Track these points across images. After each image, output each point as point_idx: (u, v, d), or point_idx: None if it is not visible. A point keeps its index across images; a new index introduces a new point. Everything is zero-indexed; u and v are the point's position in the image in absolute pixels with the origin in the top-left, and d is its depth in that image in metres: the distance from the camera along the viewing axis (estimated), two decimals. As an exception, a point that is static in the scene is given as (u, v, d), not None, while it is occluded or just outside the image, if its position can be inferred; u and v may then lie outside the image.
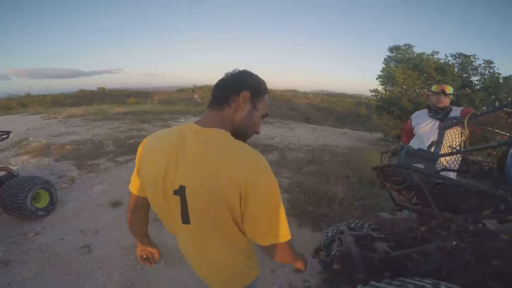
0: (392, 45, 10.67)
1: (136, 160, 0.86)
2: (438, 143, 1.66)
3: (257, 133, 0.85)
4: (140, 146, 0.85)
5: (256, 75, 0.83)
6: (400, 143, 2.74)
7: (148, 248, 1.09)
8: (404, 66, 9.42)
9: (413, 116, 2.55)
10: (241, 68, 0.85)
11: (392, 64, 10.18)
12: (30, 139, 5.42)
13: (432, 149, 1.56)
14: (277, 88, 31.40)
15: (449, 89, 2.28)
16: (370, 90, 9.61)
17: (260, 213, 0.70)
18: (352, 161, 4.92)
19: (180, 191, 0.71)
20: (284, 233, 0.74)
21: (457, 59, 10.34)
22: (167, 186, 0.73)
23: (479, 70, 10.65)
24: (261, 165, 0.70)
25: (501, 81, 10.24)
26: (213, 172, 0.67)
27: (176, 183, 0.71)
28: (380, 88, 9.52)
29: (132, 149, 5.03)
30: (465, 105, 10.52)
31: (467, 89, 10.52)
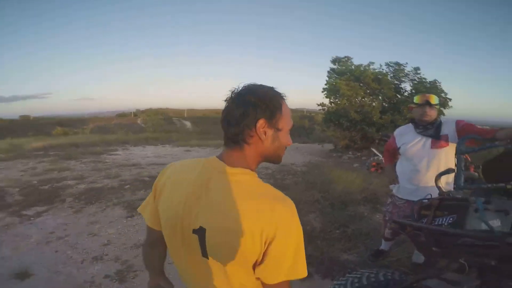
0: (334, 56, 11.20)
1: (154, 187, 0.80)
2: (459, 173, 1.24)
3: (288, 145, 0.76)
4: (161, 172, 0.80)
5: (262, 89, 0.70)
6: (387, 165, 2.34)
7: (162, 284, 0.97)
8: (347, 78, 9.83)
9: (396, 133, 2.15)
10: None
11: (335, 76, 10.58)
12: None
13: (450, 179, 1.13)
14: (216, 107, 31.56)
15: (434, 99, 1.92)
16: (317, 103, 9.77)
17: (281, 257, 0.65)
18: (315, 181, 4.60)
19: (200, 231, 0.67)
20: (301, 271, 0.68)
21: (390, 67, 11.26)
22: (185, 224, 0.69)
23: (409, 77, 11.72)
24: (290, 214, 0.66)
25: (427, 85, 11.32)
26: (238, 226, 0.62)
27: (197, 223, 0.67)
28: (326, 101, 9.74)
29: (47, 198, 3.96)
30: (405, 110, 11.41)
31: (397, 95, 11.49)
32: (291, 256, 0.65)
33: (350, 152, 9.05)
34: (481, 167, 2.45)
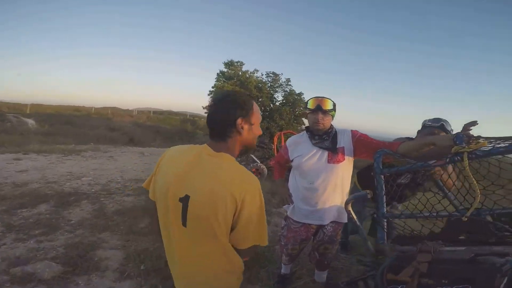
0: (229, 60, 11.13)
1: (156, 166, 0.99)
2: (380, 198, 0.96)
3: (259, 134, 1.00)
4: (162, 155, 1.00)
5: (236, 94, 0.94)
6: (278, 180, 2.00)
7: None
8: (233, 83, 9.90)
9: (288, 143, 1.85)
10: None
11: (223, 80, 10.49)
12: None
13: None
14: (91, 105, 26.23)
15: (328, 104, 1.66)
16: (203, 106, 9.32)
17: (248, 222, 0.86)
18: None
19: (185, 200, 0.85)
20: (264, 238, 0.92)
21: (269, 77, 12.22)
22: (174, 192, 0.87)
23: (283, 87, 13.08)
24: (255, 187, 0.87)
25: (295, 97, 12.93)
26: (218, 189, 0.83)
27: (183, 191, 0.86)
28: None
29: None
30: (277, 118, 12.60)
31: (271, 104, 12.70)
32: (255, 222, 0.87)
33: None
34: (356, 175, 2.53)
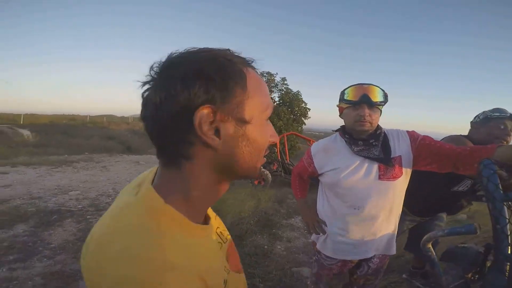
0: None
1: None
2: (502, 240, 0.60)
3: (271, 143, 0.45)
4: None
5: (202, 52, 0.39)
6: (299, 199, 1.51)
7: None
8: None
9: (314, 150, 1.33)
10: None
11: None
12: None
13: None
14: (86, 113, 25.99)
15: (378, 93, 1.15)
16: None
17: None
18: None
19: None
20: None
21: (263, 77, 11.98)
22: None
23: (278, 87, 12.80)
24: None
25: (292, 95, 12.69)
26: (94, 265, 0.37)
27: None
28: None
29: None
30: (274, 119, 12.29)
31: None
32: None
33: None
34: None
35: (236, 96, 0.38)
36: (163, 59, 0.39)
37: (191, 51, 0.39)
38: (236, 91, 0.37)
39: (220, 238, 0.50)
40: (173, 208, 0.37)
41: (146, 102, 0.38)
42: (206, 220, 0.47)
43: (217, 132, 0.37)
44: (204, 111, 0.35)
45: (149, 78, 0.39)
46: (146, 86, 0.39)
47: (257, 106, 0.40)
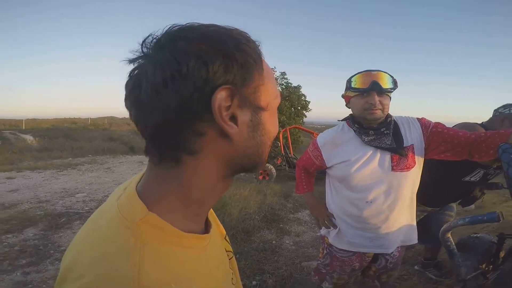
0: None
1: None
2: None
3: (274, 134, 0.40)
4: None
5: (212, 27, 0.32)
6: (306, 193, 1.45)
7: None
8: None
9: (321, 142, 1.26)
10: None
11: None
12: None
13: None
14: (87, 116, 26.02)
15: (387, 79, 1.10)
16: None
17: None
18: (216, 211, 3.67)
19: None
20: None
21: None
22: None
23: (278, 81, 12.72)
24: None
25: (293, 90, 12.62)
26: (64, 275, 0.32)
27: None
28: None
29: None
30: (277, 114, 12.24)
31: None
32: None
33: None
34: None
35: (255, 80, 0.33)
36: (162, 33, 0.32)
37: (200, 24, 0.33)
38: (255, 74, 0.33)
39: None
40: (157, 217, 0.31)
41: (139, 83, 0.30)
42: (206, 227, 0.41)
43: (232, 119, 0.32)
44: (224, 93, 0.30)
45: (142, 51, 0.32)
46: (138, 63, 0.32)
47: (270, 93, 0.36)
